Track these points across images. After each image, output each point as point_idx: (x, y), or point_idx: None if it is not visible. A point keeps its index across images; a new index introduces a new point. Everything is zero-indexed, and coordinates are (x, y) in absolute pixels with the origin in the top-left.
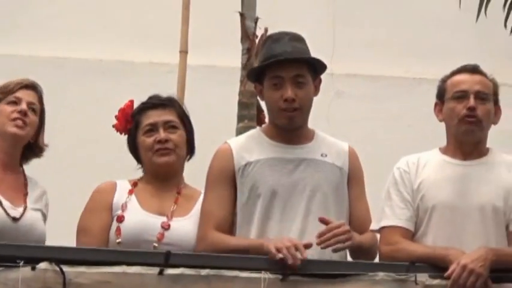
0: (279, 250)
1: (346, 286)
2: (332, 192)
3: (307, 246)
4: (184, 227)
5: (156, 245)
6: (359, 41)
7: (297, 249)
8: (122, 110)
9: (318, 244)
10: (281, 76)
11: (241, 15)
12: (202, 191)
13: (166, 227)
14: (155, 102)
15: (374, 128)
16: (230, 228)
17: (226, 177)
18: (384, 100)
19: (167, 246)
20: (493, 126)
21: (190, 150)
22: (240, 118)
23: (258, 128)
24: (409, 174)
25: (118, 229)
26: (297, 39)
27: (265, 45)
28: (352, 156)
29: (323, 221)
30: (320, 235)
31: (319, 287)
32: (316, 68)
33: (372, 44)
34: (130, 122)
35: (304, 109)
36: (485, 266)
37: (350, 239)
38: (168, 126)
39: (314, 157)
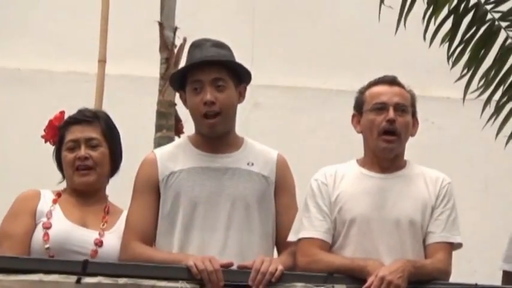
0: (200, 272)
1: None
2: (256, 202)
3: (228, 265)
4: (115, 242)
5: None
6: (278, 53)
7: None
8: (49, 122)
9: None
10: (200, 80)
11: (160, 24)
12: (118, 202)
13: (99, 244)
14: (79, 118)
15: (292, 139)
16: (153, 239)
17: (151, 187)
18: (301, 111)
19: None
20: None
21: (114, 166)
22: (158, 128)
23: (186, 136)
24: (327, 186)
25: (46, 235)
26: (220, 45)
27: (188, 52)
28: (281, 165)
29: (242, 267)
30: (252, 281)
31: None
32: (240, 74)
33: (291, 56)
34: (57, 134)
35: (225, 114)
36: (404, 278)
37: (277, 267)
38: (90, 143)
39: (239, 166)
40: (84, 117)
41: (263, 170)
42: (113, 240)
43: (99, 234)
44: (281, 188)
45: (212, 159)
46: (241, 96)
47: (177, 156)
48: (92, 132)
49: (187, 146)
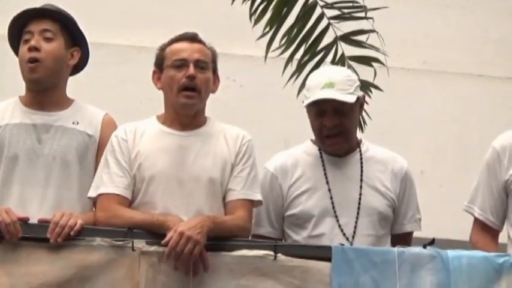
0: None
1: (73, 252)
2: (77, 159)
3: (25, 219)
4: None
5: None
6: (81, 10)
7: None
8: None
9: (53, 241)
10: (31, 30)
11: None
12: None
13: None
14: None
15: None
16: None
17: None
18: (103, 68)
19: None
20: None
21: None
22: None
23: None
24: (127, 142)
25: None
26: (57, 7)
27: None
28: (105, 125)
29: (42, 221)
30: (50, 233)
31: (39, 252)
32: (75, 37)
33: (92, 13)
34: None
35: (47, 64)
36: (203, 233)
37: (76, 221)
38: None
39: (64, 124)
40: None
41: (88, 129)
42: None
43: None
44: (103, 146)
45: (38, 117)
46: (72, 58)
47: (5, 111)
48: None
49: (17, 103)
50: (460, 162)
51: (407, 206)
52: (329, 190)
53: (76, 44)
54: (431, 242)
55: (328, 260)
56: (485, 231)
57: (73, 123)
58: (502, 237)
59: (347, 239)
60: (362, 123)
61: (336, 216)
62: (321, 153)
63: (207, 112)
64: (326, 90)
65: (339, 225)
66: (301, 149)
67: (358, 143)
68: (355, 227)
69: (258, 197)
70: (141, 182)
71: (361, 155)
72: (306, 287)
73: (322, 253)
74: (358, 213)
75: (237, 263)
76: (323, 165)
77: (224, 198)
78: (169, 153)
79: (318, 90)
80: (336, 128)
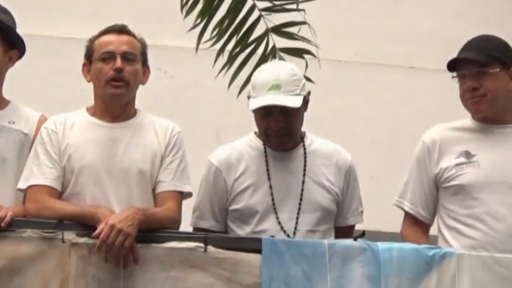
0: None
1: (3, 244)
2: (15, 157)
3: None
4: None
5: None
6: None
7: None
8: None
9: None
10: None
11: None
12: None
13: None
14: None
15: (25, 87)
16: None
17: None
18: (35, 60)
19: None
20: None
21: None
22: None
23: None
24: (57, 134)
25: None
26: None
27: None
28: (40, 124)
29: None
30: None
31: None
32: (13, 40)
33: (26, 4)
34: None
35: None
36: (134, 226)
37: (7, 213)
38: None
39: (1, 123)
40: None
41: (24, 128)
42: None
43: None
44: None
45: None
46: (10, 61)
47: None
48: None
49: None
50: (391, 155)
51: (351, 199)
52: (270, 187)
53: (13, 45)
54: (362, 235)
55: (259, 252)
56: (416, 225)
57: (9, 122)
58: (434, 230)
59: (288, 236)
60: None
61: (276, 213)
62: (265, 147)
63: (138, 104)
64: (272, 94)
65: (279, 222)
66: (245, 142)
67: (302, 137)
68: (297, 223)
69: (187, 188)
70: (71, 174)
71: (304, 149)
72: (236, 279)
73: (253, 245)
74: (299, 208)
75: (167, 254)
76: (266, 160)
77: (154, 190)
78: (99, 145)
79: (264, 92)
80: (282, 130)
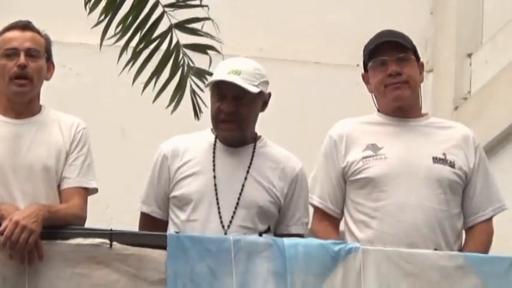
0: None
1: None
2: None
3: None
4: None
5: None
6: None
7: None
8: None
9: None
10: None
11: None
12: None
13: None
14: None
15: None
16: None
17: None
18: None
19: None
20: None
21: None
22: None
23: None
24: None
25: None
26: None
27: None
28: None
29: None
30: None
31: None
32: None
33: None
34: None
35: None
36: (38, 222)
37: None
38: None
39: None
40: None
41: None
42: None
43: None
44: None
45: None
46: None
47: None
48: None
49: None
50: (298, 150)
51: (295, 208)
52: (214, 177)
53: None
54: (267, 230)
55: (164, 248)
56: (326, 219)
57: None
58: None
59: (223, 227)
60: (198, 110)
61: (218, 204)
62: (215, 141)
63: (43, 101)
64: (231, 76)
65: (219, 212)
66: (199, 135)
67: (256, 138)
68: (232, 217)
69: (93, 184)
70: None
71: (254, 148)
72: (141, 275)
73: (158, 241)
74: (237, 203)
75: (73, 251)
76: (214, 152)
77: (59, 186)
78: (3, 142)
79: (223, 74)
80: (232, 114)
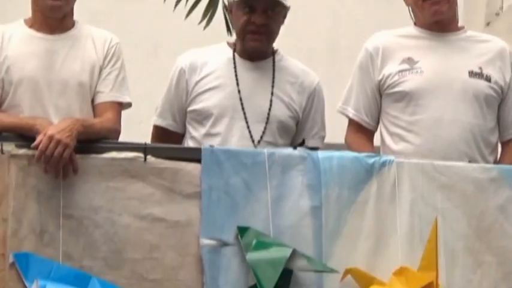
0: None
1: None
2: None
3: None
4: None
5: None
6: None
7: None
8: None
9: None
10: None
11: None
12: None
13: None
14: None
15: None
16: None
17: None
18: None
19: None
20: None
21: None
22: None
23: None
24: None
25: None
26: None
27: None
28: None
29: None
30: None
31: None
32: None
33: None
34: None
35: None
36: (72, 136)
37: None
38: None
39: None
40: None
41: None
42: None
43: None
44: None
45: None
46: None
47: None
48: None
49: None
50: (329, 66)
51: (312, 122)
52: (239, 91)
53: None
54: (302, 143)
55: (199, 161)
56: (360, 131)
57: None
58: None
59: (253, 141)
60: (230, 26)
61: (246, 118)
62: (234, 55)
63: (76, 16)
64: None
65: (248, 127)
66: (215, 48)
67: (273, 52)
68: (263, 133)
69: (126, 99)
70: (9, 85)
71: (274, 62)
72: (176, 188)
73: (192, 155)
74: (267, 119)
75: (107, 165)
76: (234, 66)
77: (93, 101)
78: (38, 57)
79: None
80: (262, 27)
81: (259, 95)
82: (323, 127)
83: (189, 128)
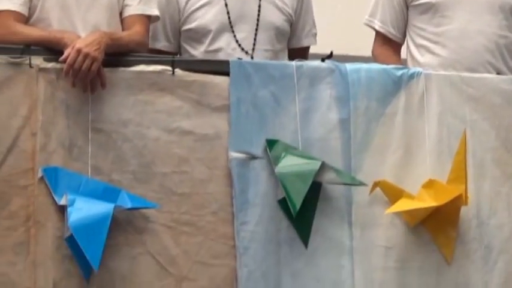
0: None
1: None
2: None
3: None
4: None
5: None
6: None
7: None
8: None
9: None
10: None
11: None
12: None
13: None
14: None
15: None
16: None
17: None
18: None
19: None
20: None
21: None
22: None
23: None
24: None
25: None
26: None
27: None
28: None
29: None
30: None
31: None
32: None
33: None
34: None
35: None
36: (100, 50)
37: None
38: None
39: None
40: None
41: None
42: None
43: None
44: None
45: None
46: None
47: None
48: None
49: None
50: None
51: (304, 21)
52: (226, 5)
53: None
54: (330, 56)
55: (227, 74)
56: (387, 44)
57: None
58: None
59: (246, 52)
60: None
61: (233, 32)
62: None
63: None
64: None
65: (236, 40)
66: None
67: None
68: (254, 42)
69: (155, 12)
70: None
71: None
72: (204, 101)
73: (220, 67)
74: (256, 28)
75: (135, 78)
76: None
77: (121, 14)
78: None
79: None
80: None
81: (248, 3)
82: (314, 24)
83: (186, 47)
